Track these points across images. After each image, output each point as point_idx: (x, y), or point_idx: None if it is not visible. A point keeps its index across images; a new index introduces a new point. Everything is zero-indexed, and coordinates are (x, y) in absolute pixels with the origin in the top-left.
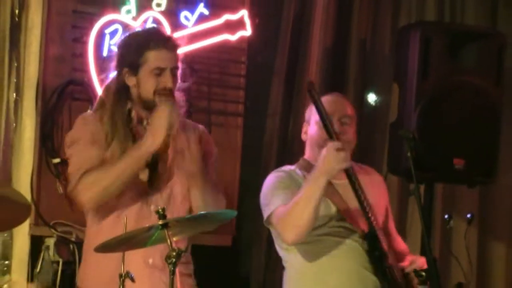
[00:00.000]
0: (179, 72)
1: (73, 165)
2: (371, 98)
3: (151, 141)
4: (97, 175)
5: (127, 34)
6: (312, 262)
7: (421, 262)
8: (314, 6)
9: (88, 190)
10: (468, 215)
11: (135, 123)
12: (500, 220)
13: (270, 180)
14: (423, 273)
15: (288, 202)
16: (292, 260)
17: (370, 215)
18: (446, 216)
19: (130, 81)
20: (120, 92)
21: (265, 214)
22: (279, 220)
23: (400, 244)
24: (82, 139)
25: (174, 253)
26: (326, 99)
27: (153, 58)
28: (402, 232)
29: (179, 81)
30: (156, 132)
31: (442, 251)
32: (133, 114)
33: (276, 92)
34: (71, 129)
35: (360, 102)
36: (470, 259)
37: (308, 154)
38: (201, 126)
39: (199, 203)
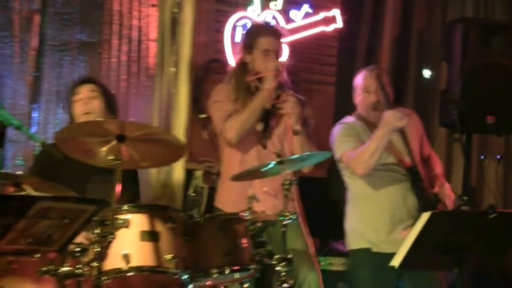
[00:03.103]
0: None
1: (216, 116)
2: (427, 73)
3: (267, 86)
4: (235, 117)
5: (250, 25)
6: (370, 186)
7: (447, 187)
8: (385, 7)
9: (232, 128)
10: (498, 156)
11: (253, 90)
12: None
13: (338, 129)
14: (465, 198)
15: (354, 147)
16: (355, 185)
17: (414, 157)
18: (481, 157)
19: (247, 58)
20: (241, 68)
21: (337, 154)
22: (350, 160)
23: (436, 166)
24: (220, 100)
25: (287, 182)
26: (364, 74)
27: (263, 42)
28: (449, 168)
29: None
30: (265, 80)
31: (478, 182)
32: (253, 85)
33: (358, 68)
34: (211, 95)
35: (419, 76)
36: (499, 187)
37: (360, 111)
38: (302, 97)
39: (299, 151)
